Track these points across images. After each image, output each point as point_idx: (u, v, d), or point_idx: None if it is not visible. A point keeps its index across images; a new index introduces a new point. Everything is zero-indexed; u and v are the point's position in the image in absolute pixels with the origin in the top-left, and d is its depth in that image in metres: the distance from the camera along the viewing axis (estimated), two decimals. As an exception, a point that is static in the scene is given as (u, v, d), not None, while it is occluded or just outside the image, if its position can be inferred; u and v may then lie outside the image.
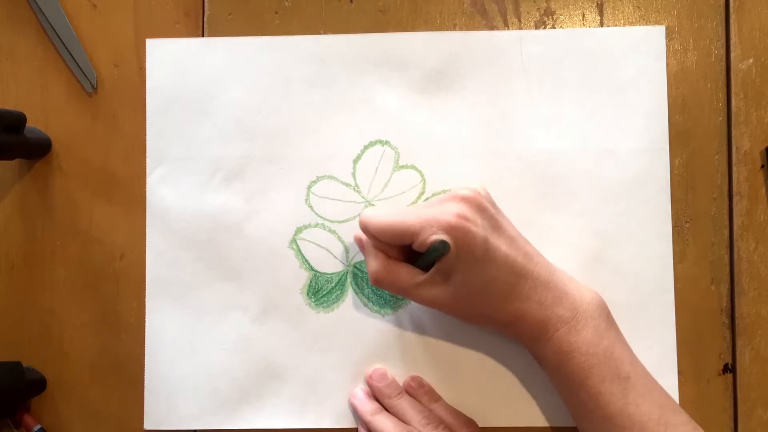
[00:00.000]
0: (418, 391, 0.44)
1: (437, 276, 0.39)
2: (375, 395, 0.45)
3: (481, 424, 0.45)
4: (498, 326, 0.41)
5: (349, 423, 0.46)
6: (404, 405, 0.43)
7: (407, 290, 0.40)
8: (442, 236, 0.37)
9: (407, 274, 0.40)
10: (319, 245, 0.46)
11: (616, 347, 0.39)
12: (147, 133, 0.47)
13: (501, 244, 0.39)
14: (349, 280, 0.46)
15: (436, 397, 0.45)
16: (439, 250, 0.37)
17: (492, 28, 0.47)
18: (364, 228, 0.40)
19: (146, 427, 0.46)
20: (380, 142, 0.46)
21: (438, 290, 0.39)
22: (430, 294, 0.40)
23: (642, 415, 0.38)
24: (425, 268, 0.40)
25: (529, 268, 0.39)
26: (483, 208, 0.39)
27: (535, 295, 0.39)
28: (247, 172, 0.47)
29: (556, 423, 0.45)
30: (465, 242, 0.37)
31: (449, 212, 0.38)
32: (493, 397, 0.45)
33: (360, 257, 0.46)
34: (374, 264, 0.41)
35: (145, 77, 0.47)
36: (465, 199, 0.39)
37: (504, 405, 0.45)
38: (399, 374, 0.46)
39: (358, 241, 0.45)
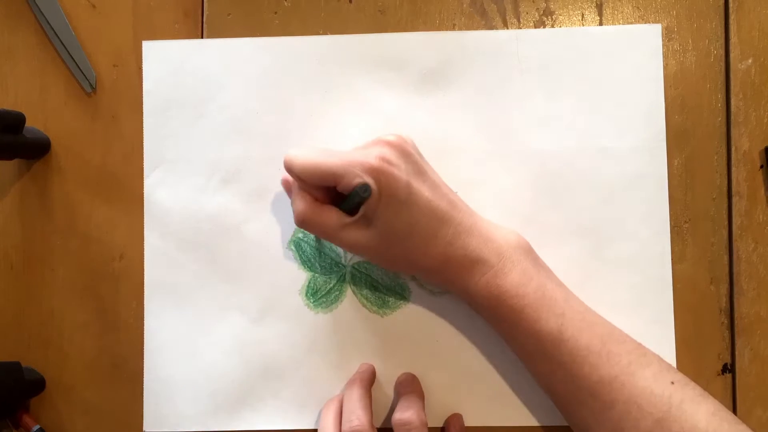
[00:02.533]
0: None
1: (361, 220, 0.39)
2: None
3: (479, 424, 0.45)
4: (423, 273, 0.42)
5: (348, 423, 0.46)
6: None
7: (332, 233, 0.40)
8: (366, 179, 0.37)
9: (332, 217, 0.40)
10: (317, 246, 0.46)
11: (547, 286, 0.39)
12: (144, 135, 0.47)
13: (424, 190, 0.39)
14: (347, 280, 0.46)
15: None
16: (360, 193, 0.37)
17: (491, 28, 0.47)
18: (289, 168, 0.40)
19: (146, 428, 0.46)
20: (378, 142, 0.46)
21: (361, 234, 0.39)
22: (354, 237, 0.40)
23: (581, 349, 0.38)
24: (350, 212, 0.40)
25: (452, 214, 0.40)
26: (407, 153, 0.39)
27: (458, 241, 0.39)
28: (245, 173, 0.47)
29: (555, 422, 0.45)
30: (387, 184, 0.38)
31: (372, 155, 0.38)
32: (492, 397, 0.45)
33: (358, 258, 0.46)
34: (300, 205, 0.40)
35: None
36: (389, 144, 0.39)
37: (503, 404, 0.45)
38: (398, 373, 0.46)
39: (285, 184, 0.44)
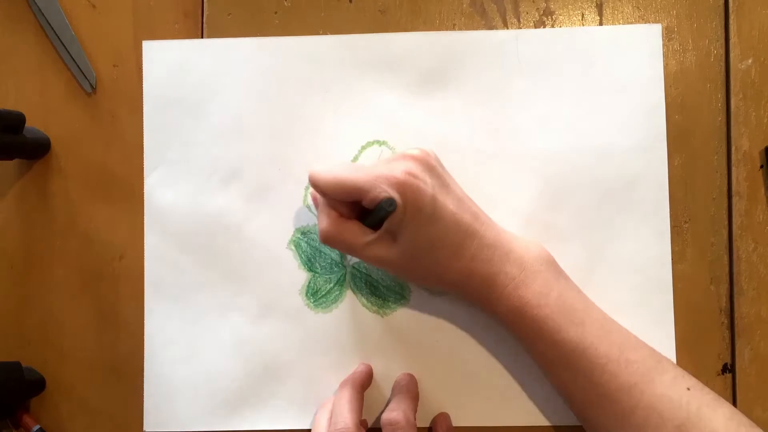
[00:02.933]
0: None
1: (385, 235, 0.39)
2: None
3: (479, 424, 0.45)
4: (447, 286, 0.42)
5: (348, 423, 0.46)
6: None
7: (356, 249, 0.40)
8: (391, 193, 0.37)
9: (356, 232, 0.40)
10: (317, 246, 0.46)
11: (567, 296, 0.40)
12: (144, 135, 0.47)
13: (449, 203, 0.39)
14: (347, 280, 0.46)
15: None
16: (386, 207, 0.37)
17: (491, 28, 0.47)
18: (314, 183, 0.40)
19: (146, 429, 0.46)
20: (378, 142, 0.46)
21: (386, 249, 0.40)
22: (379, 253, 0.40)
23: (600, 358, 0.38)
24: (374, 227, 0.40)
25: (476, 227, 0.40)
26: (431, 167, 0.40)
27: (481, 254, 0.40)
28: (245, 173, 0.47)
29: (554, 422, 0.45)
30: (413, 199, 0.38)
31: (398, 169, 0.38)
32: (492, 397, 0.45)
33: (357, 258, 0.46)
34: (324, 222, 0.40)
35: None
36: (414, 158, 0.39)
37: (503, 405, 0.45)
38: (398, 373, 0.45)
39: (315, 200, 0.44)
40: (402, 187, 0.38)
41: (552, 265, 0.41)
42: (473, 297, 0.41)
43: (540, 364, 0.42)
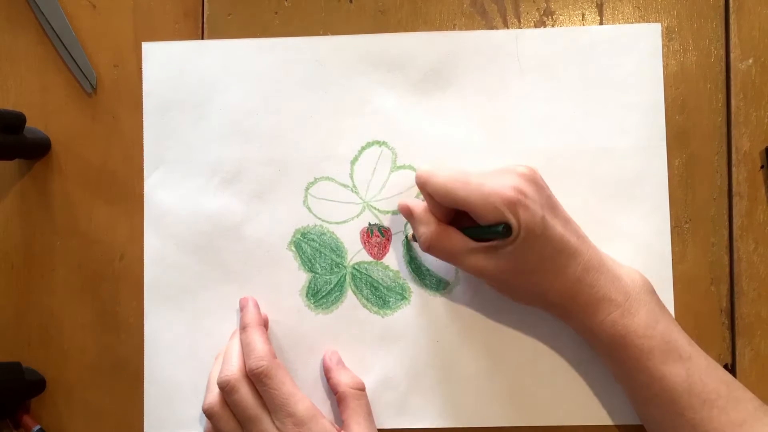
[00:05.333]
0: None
1: (491, 247, 0.39)
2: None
3: (479, 424, 0.45)
4: (546, 306, 0.41)
5: (348, 423, 0.46)
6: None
7: (458, 258, 0.40)
8: (508, 217, 0.37)
9: (459, 241, 0.40)
10: (317, 246, 0.46)
11: (673, 329, 0.39)
12: (144, 137, 0.47)
13: (557, 224, 0.39)
14: (348, 281, 0.46)
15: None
16: (500, 232, 0.37)
17: (491, 28, 0.47)
18: (422, 185, 0.40)
19: (146, 430, 0.46)
20: (378, 142, 0.46)
21: (489, 261, 0.39)
22: (481, 264, 0.39)
23: (710, 393, 0.38)
24: (477, 238, 0.39)
25: (582, 249, 0.39)
26: (540, 186, 0.39)
27: (587, 278, 0.39)
28: (245, 174, 0.47)
29: (556, 423, 0.45)
30: (525, 219, 0.37)
31: (509, 185, 0.38)
32: (492, 397, 0.45)
33: (358, 258, 0.46)
34: (426, 230, 0.40)
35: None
36: (522, 175, 0.39)
37: (504, 405, 0.45)
38: (398, 373, 0.46)
39: (404, 209, 0.43)
40: (514, 207, 0.37)
41: (655, 295, 0.41)
42: (572, 319, 0.41)
43: (637, 397, 0.41)
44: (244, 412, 0.40)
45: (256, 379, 0.40)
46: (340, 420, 0.43)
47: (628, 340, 0.38)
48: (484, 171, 0.41)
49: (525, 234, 0.37)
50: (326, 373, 0.45)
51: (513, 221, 0.37)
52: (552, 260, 0.39)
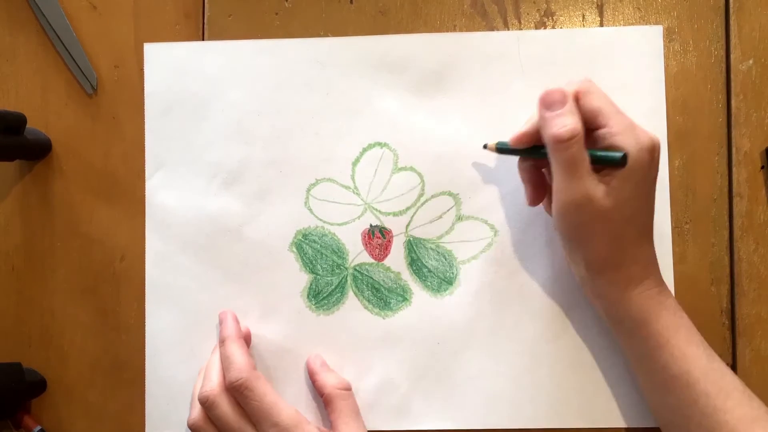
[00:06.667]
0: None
1: (606, 171, 0.38)
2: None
3: (479, 426, 0.45)
4: (597, 262, 0.40)
5: (349, 424, 0.46)
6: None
7: (579, 167, 0.38)
8: (631, 150, 0.37)
9: (585, 153, 0.38)
10: (318, 248, 0.46)
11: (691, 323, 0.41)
12: (146, 138, 0.47)
13: (653, 191, 0.40)
14: (349, 282, 0.46)
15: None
16: (616, 158, 0.37)
17: (492, 29, 0.47)
18: (585, 91, 0.39)
19: (148, 431, 0.46)
20: (379, 144, 0.46)
21: (599, 186, 0.38)
22: (591, 186, 0.38)
23: (728, 383, 0.38)
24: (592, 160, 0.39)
25: (652, 227, 0.41)
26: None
27: (648, 249, 0.41)
28: (247, 175, 0.47)
29: (556, 423, 0.45)
30: (650, 168, 0.38)
31: (648, 135, 0.39)
32: (492, 398, 0.45)
33: (360, 260, 0.46)
34: (575, 123, 0.38)
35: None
36: (653, 140, 0.39)
37: (504, 406, 0.45)
38: (399, 375, 0.46)
39: (560, 93, 0.39)
40: (653, 149, 0.38)
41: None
42: (614, 285, 0.40)
43: (654, 381, 0.41)
44: (226, 427, 0.40)
45: (236, 392, 0.41)
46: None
47: (660, 315, 0.39)
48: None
49: (644, 176, 0.38)
50: (311, 376, 0.45)
51: (646, 158, 0.38)
52: (638, 215, 0.39)
